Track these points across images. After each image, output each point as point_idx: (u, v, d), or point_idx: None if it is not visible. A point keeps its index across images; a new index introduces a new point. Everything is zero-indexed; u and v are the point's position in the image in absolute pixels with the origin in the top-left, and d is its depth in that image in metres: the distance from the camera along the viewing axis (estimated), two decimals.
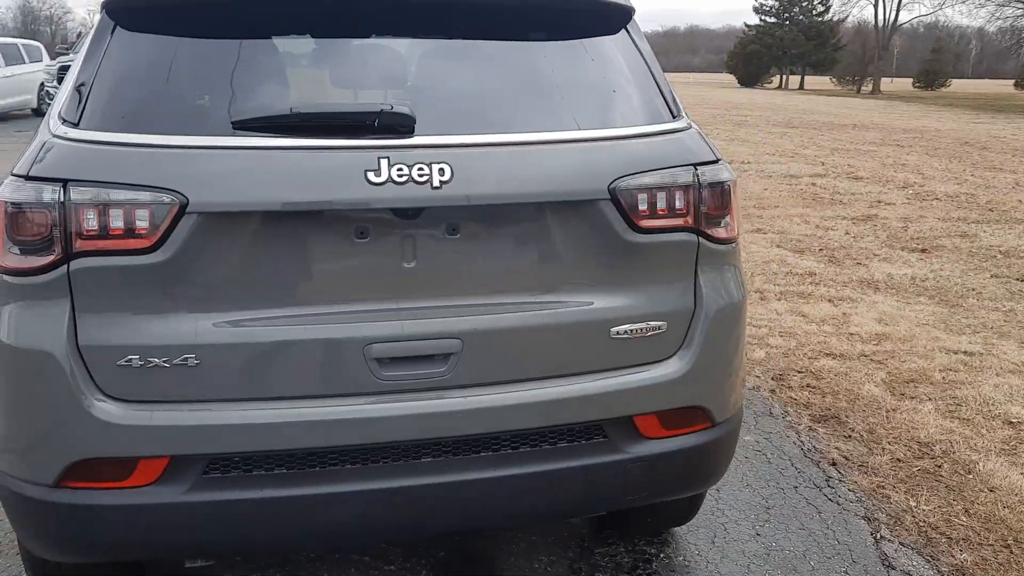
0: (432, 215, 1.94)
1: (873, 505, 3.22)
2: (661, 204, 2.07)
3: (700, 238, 2.13)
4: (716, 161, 2.18)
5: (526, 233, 2.03)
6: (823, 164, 14.04)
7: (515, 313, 2.00)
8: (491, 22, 2.17)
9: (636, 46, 2.27)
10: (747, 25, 73.60)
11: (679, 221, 2.10)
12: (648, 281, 2.09)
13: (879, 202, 10.31)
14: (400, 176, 1.86)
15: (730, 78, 75.48)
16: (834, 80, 64.28)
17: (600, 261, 2.06)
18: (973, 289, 6.33)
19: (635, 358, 2.10)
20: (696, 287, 2.14)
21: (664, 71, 2.33)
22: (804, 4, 69.74)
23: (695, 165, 2.12)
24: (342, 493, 1.92)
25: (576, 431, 2.08)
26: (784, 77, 71.54)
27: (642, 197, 2.05)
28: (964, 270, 6.94)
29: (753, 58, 68.84)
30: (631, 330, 2.06)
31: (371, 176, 1.85)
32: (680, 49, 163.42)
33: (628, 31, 2.31)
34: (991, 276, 6.74)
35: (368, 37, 2.13)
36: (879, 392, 4.28)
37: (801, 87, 66.42)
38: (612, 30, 2.28)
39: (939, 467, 3.54)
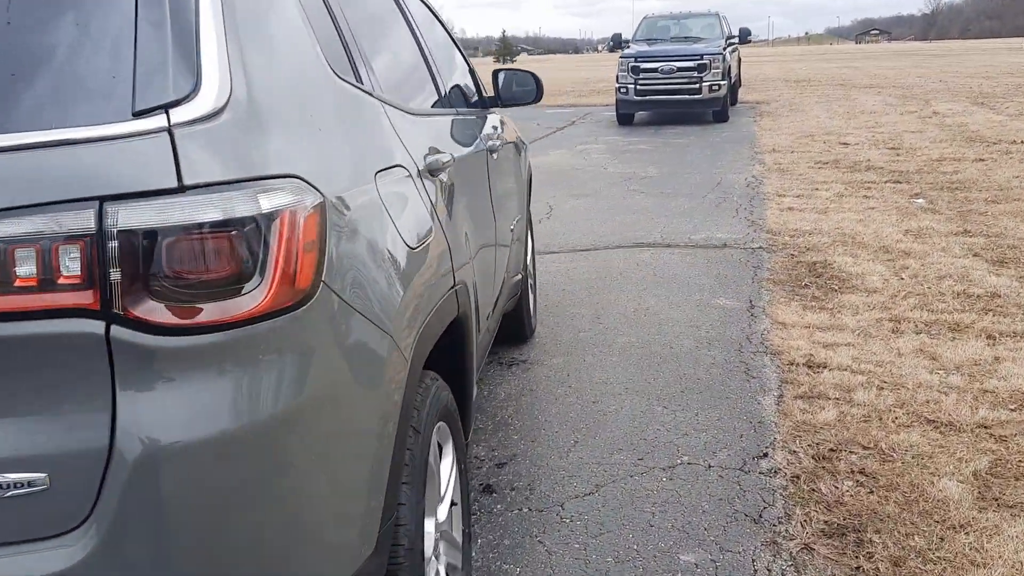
0: None
1: None
2: (25, 270, 1.19)
3: (118, 327, 1.22)
4: (180, 191, 1.23)
5: None
6: None
7: None
8: None
9: None
10: None
11: (64, 298, 1.20)
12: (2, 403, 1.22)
13: None
14: None
15: None
16: None
17: None
18: None
19: None
20: (115, 414, 1.23)
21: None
22: None
23: (104, 199, 1.21)
24: None
25: None
26: None
27: None
28: None
29: None
30: None
31: None
32: (1019, 10, 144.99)
33: None
34: None
35: None
36: (959, 493, 2.89)
37: None
38: None
39: None
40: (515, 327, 4.34)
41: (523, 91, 3.76)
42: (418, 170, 2.02)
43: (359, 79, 1.97)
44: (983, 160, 10.15)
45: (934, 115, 15.47)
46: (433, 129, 2.42)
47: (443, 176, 2.27)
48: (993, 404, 3.58)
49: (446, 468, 2.11)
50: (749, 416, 3.56)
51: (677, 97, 15.39)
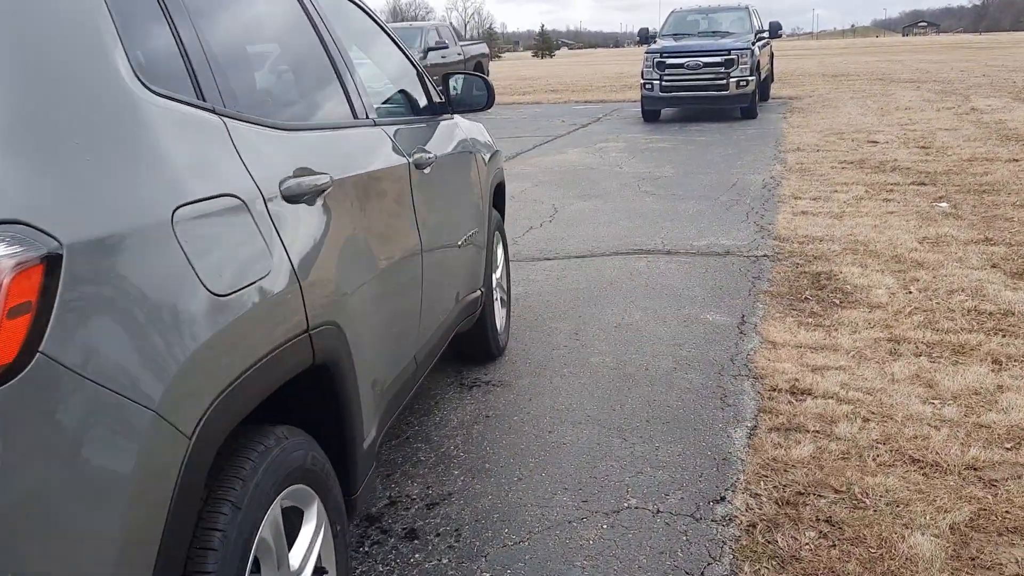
0: None
1: None
2: None
3: None
4: None
5: None
6: None
7: None
8: None
9: None
10: None
11: None
12: None
13: None
14: None
15: None
16: None
17: None
18: None
19: None
20: None
21: None
22: None
23: None
24: None
25: None
26: None
27: None
28: None
29: None
30: None
31: None
32: None
33: None
34: None
35: None
36: (931, 550, 2.57)
37: None
38: None
39: None
40: (478, 346, 4.07)
41: (476, 96, 3.49)
42: (264, 197, 1.75)
43: (199, 93, 1.72)
44: (1017, 160, 9.66)
45: (972, 111, 14.88)
46: (315, 146, 2.16)
47: (318, 201, 2.01)
48: (987, 442, 3.24)
49: (307, 535, 1.86)
50: (715, 451, 3.26)
51: (704, 93, 14.96)
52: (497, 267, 4.32)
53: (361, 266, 2.22)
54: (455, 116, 3.69)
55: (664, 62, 14.99)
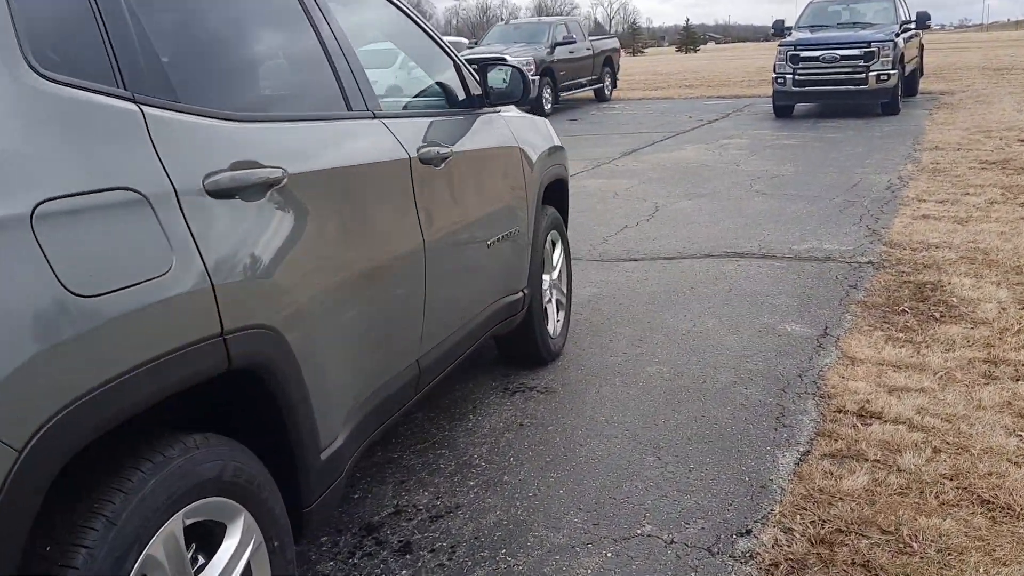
0: None
1: None
2: None
3: None
4: None
5: None
6: None
7: None
8: None
9: None
10: None
11: None
12: None
13: None
14: None
15: None
16: None
17: None
18: None
19: None
20: None
21: None
22: None
23: None
24: None
25: None
26: None
27: None
28: None
29: None
30: None
31: None
32: None
33: None
34: None
35: None
36: None
37: None
38: None
39: None
40: (524, 350, 3.91)
41: (511, 88, 3.33)
42: (177, 192, 1.65)
43: (119, 79, 1.63)
44: None
45: None
46: (274, 138, 2.04)
47: (264, 196, 1.90)
48: None
49: (227, 551, 1.75)
50: (754, 477, 2.98)
51: (840, 88, 14.15)
52: (554, 268, 4.14)
53: (323, 265, 2.10)
54: (500, 110, 3.53)
55: (798, 55, 14.28)
